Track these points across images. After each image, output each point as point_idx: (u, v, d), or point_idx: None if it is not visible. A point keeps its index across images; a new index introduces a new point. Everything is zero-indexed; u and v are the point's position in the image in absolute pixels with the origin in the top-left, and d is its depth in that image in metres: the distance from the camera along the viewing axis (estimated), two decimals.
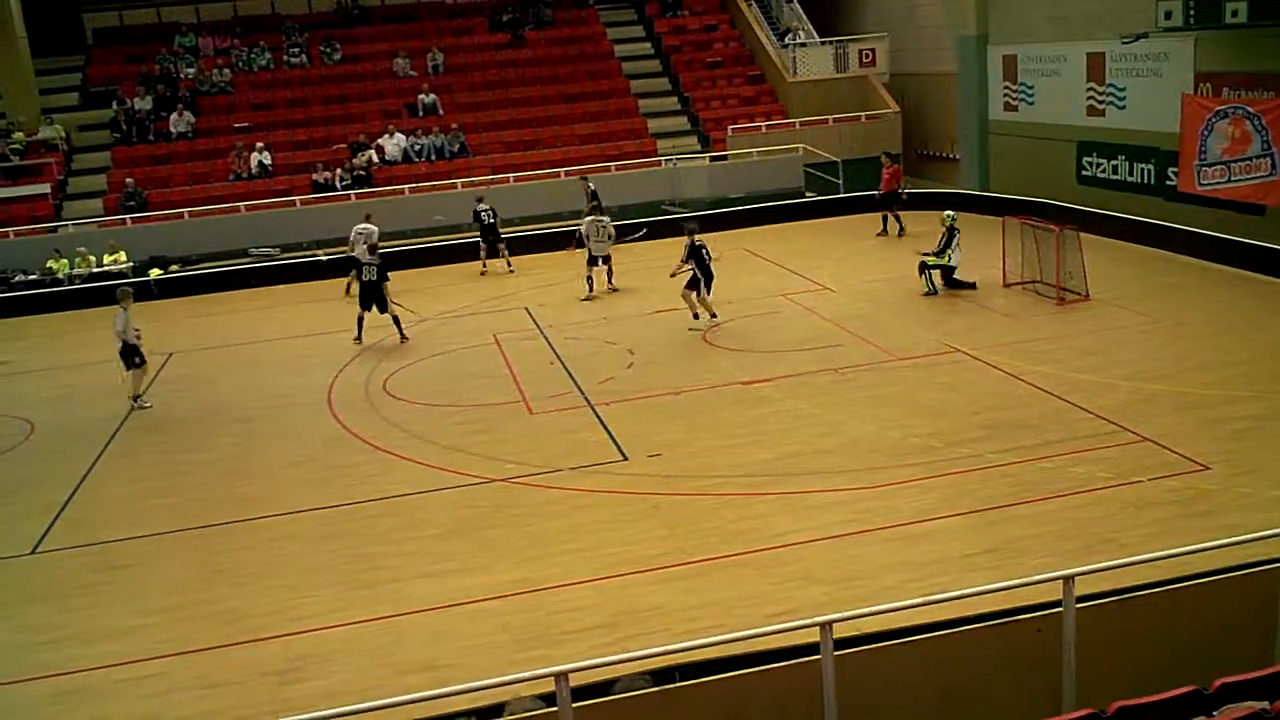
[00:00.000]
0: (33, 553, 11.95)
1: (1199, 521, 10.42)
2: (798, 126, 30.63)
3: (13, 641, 10.03)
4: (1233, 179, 20.71)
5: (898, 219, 24.99)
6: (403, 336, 19.12)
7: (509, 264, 24.40)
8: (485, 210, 24.15)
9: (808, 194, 29.09)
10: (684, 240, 18.65)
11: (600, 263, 21.46)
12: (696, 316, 18.66)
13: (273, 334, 20.74)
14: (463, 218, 26.30)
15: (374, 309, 19.08)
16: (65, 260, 25.35)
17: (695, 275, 18.45)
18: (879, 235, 25.12)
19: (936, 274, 19.42)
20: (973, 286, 19.49)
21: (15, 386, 18.75)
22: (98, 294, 24.34)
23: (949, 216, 19.44)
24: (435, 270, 25.09)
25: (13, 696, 9.14)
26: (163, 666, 9.37)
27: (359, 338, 19.24)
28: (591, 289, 21.36)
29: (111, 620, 10.24)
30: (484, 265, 24.51)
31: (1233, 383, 14.09)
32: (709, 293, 18.60)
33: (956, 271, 19.50)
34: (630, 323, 19.38)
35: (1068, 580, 6.60)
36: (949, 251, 19.27)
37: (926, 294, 19.28)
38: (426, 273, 24.77)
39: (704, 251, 18.43)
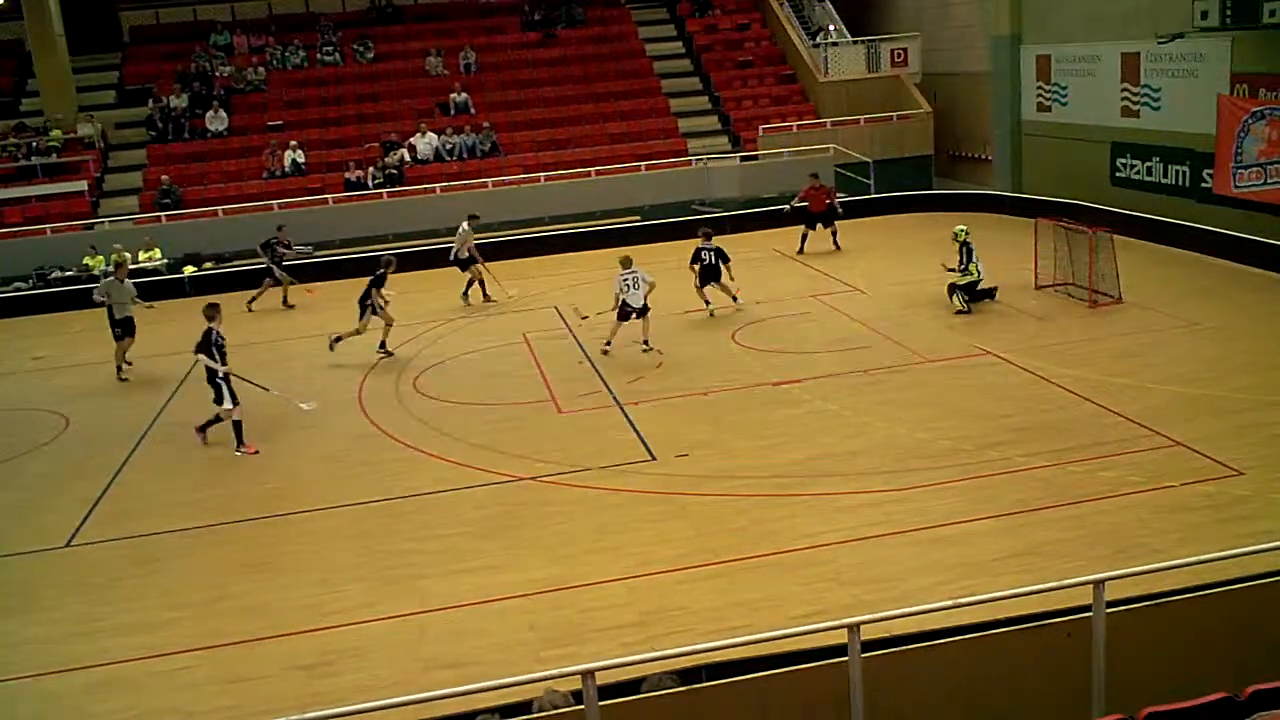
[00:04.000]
0: (68, 545, 12.11)
1: (1232, 527, 10.33)
2: (829, 126, 30.55)
3: (48, 633, 10.16)
4: (1269, 181, 20.50)
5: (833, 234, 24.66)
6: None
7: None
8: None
9: (839, 195, 28.92)
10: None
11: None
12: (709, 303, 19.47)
13: (304, 331, 20.88)
14: (494, 217, 26.44)
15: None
16: (101, 257, 25.62)
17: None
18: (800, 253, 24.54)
19: (958, 295, 18.71)
20: (992, 295, 18.94)
21: (51, 382, 18.97)
22: None
23: (961, 231, 18.88)
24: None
25: (49, 687, 9.27)
26: (195, 659, 9.48)
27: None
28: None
29: (145, 613, 10.37)
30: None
31: (1268, 387, 13.95)
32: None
33: (981, 284, 18.85)
34: (660, 323, 19.32)
35: (1098, 585, 6.57)
36: (972, 265, 18.65)
37: (960, 313, 18.54)
38: (455, 271, 24.81)
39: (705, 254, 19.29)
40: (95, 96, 31.74)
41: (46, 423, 16.45)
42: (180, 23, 34.41)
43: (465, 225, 21.99)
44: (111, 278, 18.63)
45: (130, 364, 18.73)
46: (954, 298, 18.77)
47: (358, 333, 18.26)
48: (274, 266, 22.93)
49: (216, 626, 10.02)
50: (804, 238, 24.60)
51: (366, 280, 18.51)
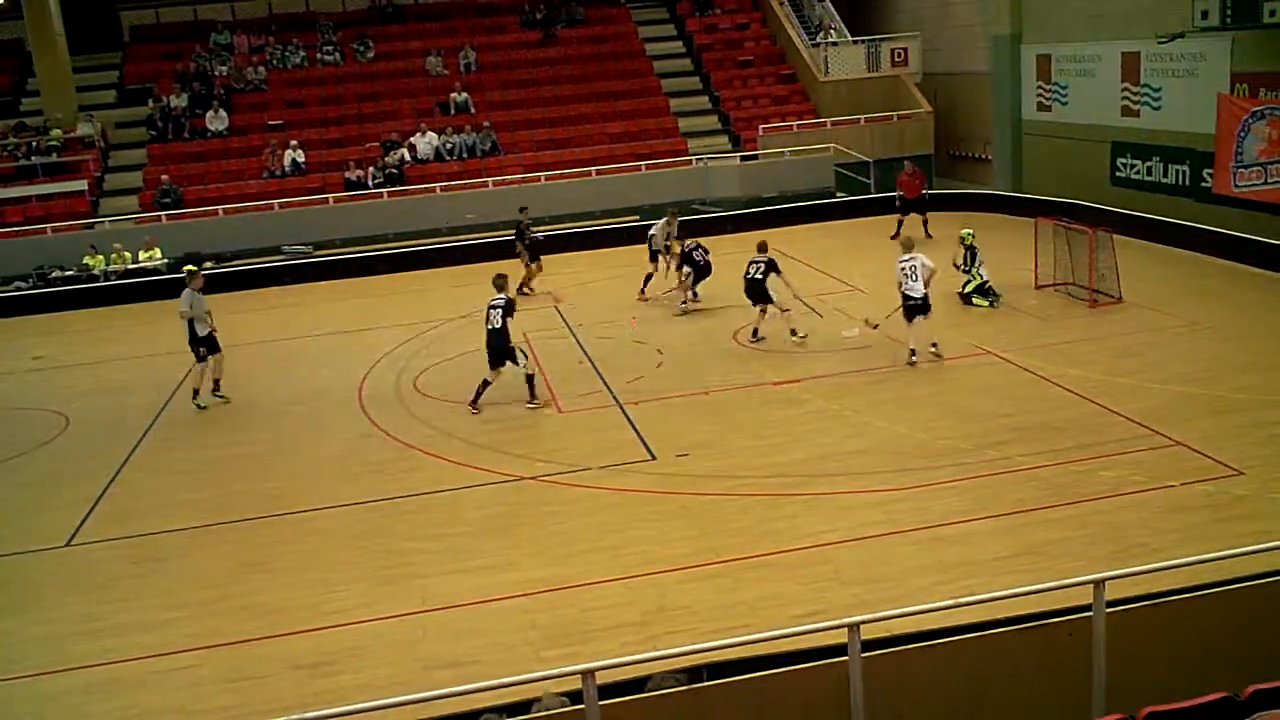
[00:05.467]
0: (68, 545, 12.10)
1: (1232, 526, 10.33)
2: (829, 126, 30.55)
3: (49, 633, 10.16)
4: (1269, 181, 20.50)
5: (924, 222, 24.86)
6: None
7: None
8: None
9: (839, 194, 28.99)
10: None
11: None
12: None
13: (305, 331, 20.90)
14: (494, 216, 26.46)
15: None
16: (101, 257, 25.63)
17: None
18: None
19: (978, 297, 18.82)
20: (998, 295, 18.97)
21: (51, 381, 18.97)
22: (133, 290, 24.64)
23: (968, 234, 18.99)
24: (466, 269, 25.15)
25: (49, 687, 9.27)
26: (195, 659, 9.48)
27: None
28: None
29: (145, 613, 10.36)
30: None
31: (1269, 387, 13.94)
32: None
33: (986, 285, 18.90)
34: (660, 322, 19.39)
35: (1098, 584, 6.57)
36: (974, 269, 18.81)
37: (992, 305, 18.66)
38: (456, 270, 24.85)
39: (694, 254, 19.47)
40: (95, 96, 31.74)
41: (46, 423, 16.45)
42: (180, 22, 34.41)
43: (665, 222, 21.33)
44: (188, 289, 16.35)
45: (224, 397, 16.72)
46: (973, 302, 18.83)
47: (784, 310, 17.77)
48: (525, 251, 22.54)
49: (216, 626, 10.02)
50: (900, 224, 24.63)
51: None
